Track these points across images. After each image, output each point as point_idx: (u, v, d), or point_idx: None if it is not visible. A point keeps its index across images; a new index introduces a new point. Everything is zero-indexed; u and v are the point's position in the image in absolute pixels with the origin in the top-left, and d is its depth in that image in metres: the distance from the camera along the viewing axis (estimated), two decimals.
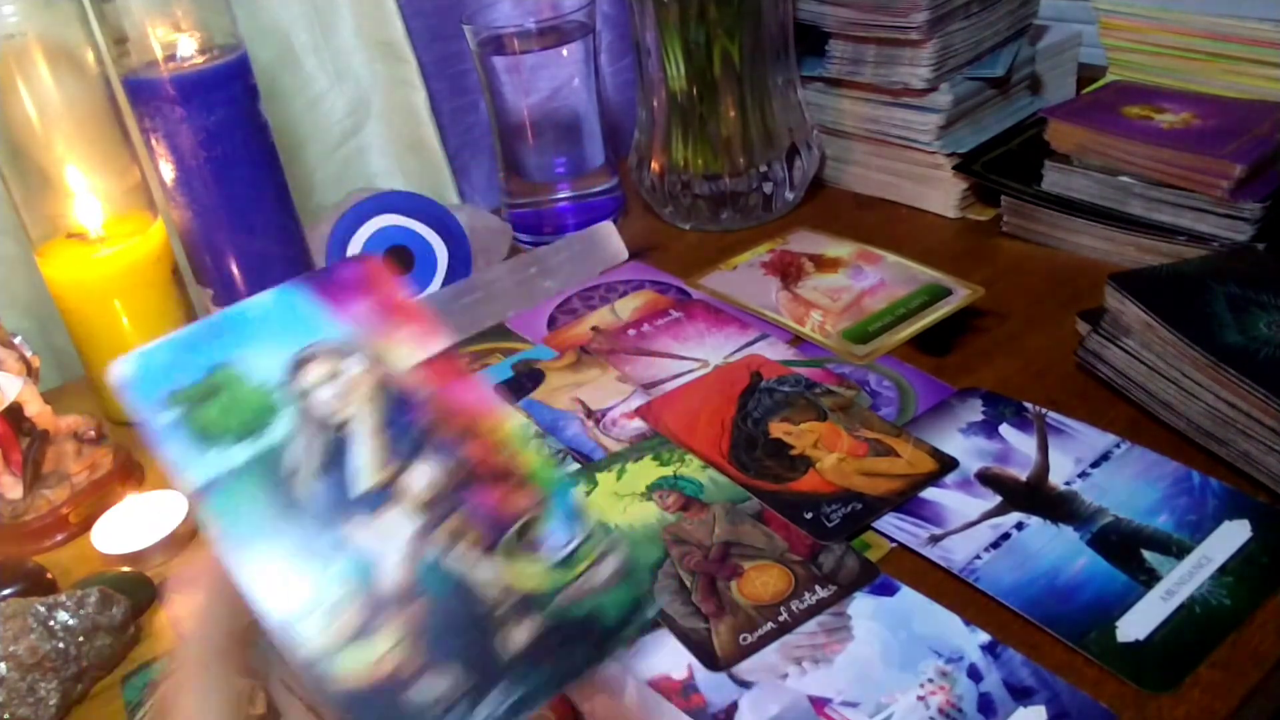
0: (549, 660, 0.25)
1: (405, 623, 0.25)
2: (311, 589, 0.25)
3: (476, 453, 0.28)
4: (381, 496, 0.26)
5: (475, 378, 0.29)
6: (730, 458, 0.53)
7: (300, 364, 0.28)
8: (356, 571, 0.25)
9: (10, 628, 0.45)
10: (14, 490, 0.57)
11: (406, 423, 0.28)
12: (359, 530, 0.26)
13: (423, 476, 0.27)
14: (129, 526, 0.56)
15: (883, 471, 0.51)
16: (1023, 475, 0.50)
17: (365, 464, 0.27)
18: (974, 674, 0.40)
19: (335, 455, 0.27)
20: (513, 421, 0.29)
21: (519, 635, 0.25)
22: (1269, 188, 0.63)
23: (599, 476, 0.54)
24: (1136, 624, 0.42)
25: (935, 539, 0.47)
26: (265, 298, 0.28)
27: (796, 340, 0.64)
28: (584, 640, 0.26)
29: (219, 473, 0.26)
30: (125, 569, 0.53)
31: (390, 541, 0.26)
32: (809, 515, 0.49)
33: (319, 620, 0.24)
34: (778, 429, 0.55)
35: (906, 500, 0.49)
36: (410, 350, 0.29)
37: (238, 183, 0.65)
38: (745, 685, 0.41)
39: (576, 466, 0.55)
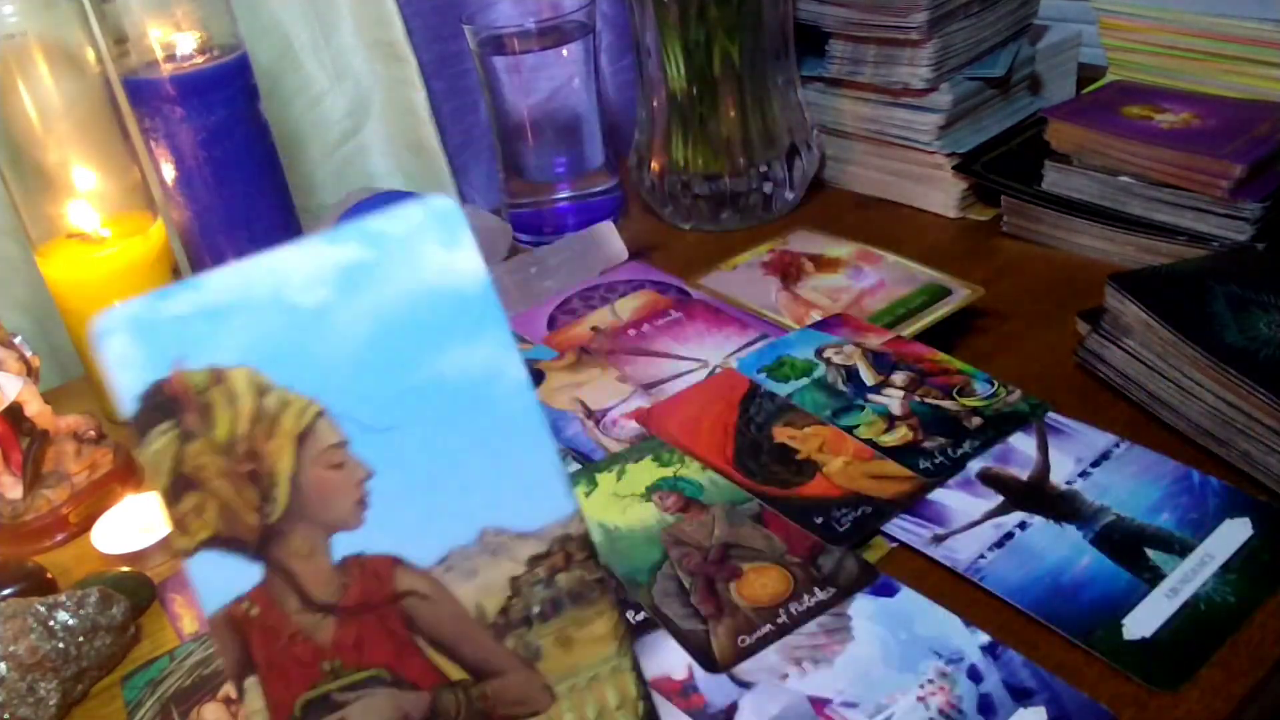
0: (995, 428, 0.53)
1: (912, 422, 0.53)
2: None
3: (927, 366, 0.57)
4: (878, 387, 0.56)
5: (918, 343, 0.60)
6: (736, 464, 0.53)
7: (821, 349, 0.60)
8: (881, 410, 0.54)
9: (10, 628, 0.45)
10: (14, 490, 0.57)
11: (883, 361, 0.58)
12: (875, 396, 0.55)
13: (900, 378, 0.56)
14: (129, 526, 0.56)
15: (890, 474, 0.51)
16: (1023, 475, 0.50)
17: (867, 375, 0.57)
18: (974, 675, 0.40)
19: (853, 374, 0.57)
20: (942, 354, 0.58)
21: (975, 420, 0.53)
22: (1269, 188, 0.63)
23: (599, 477, 0.54)
24: (1142, 622, 0.42)
25: (939, 539, 0.47)
26: None
27: None
28: (1015, 419, 0.53)
29: (794, 390, 0.57)
30: (125, 569, 0.53)
31: (893, 400, 0.55)
32: (819, 520, 0.49)
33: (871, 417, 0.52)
34: (781, 434, 0.55)
35: (915, 502, 0.49)
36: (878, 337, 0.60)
37: (238, 183, 0.65)
38: (745, 686, 0.41)
39: (577, 467, 0.55)
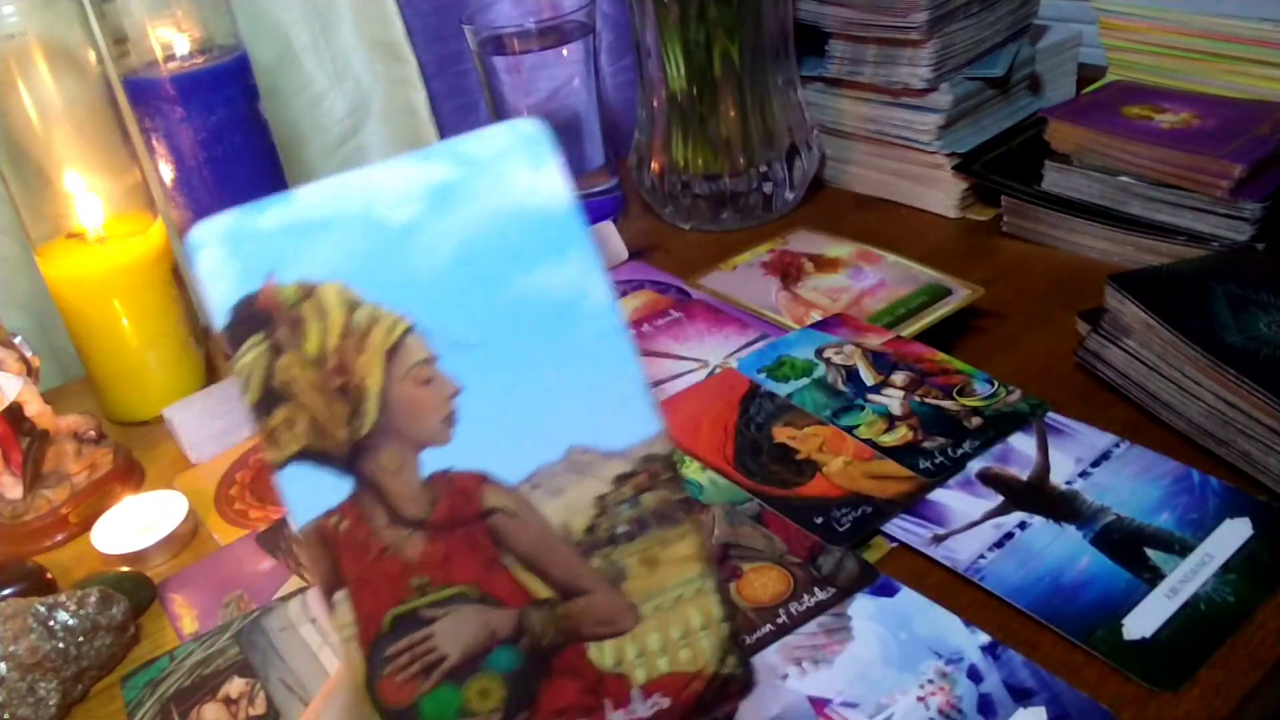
0: (995, 428, 0.53)
1: (912, 422, 0.54)
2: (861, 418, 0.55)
3: (927, 366, 0.58)
4: (878, 386, 0.57)
5: (918, 343, 0.60)
6: (736, 464, 0.53)
7: (821, 350, 0.61)
8: (881, 410, 0.55)
9: (10, 628, 0.45)
10: (14, 490, 0.57)
11: (883, 361, 0.59)
12: (875, 396, 0.56)
13: (900, 378, 0.57)
14: (129, 526, 0.56)
15: (890, 474, 0.51)
16: (1024, 475, 0.50)
17: (867, 375, 0.58)
18: (974, 675, 0.40)
19: (853, 375, 0.58)
20: (942, 354, 0.59)
21: (975, 420, 0.54)
22: (1269, 188, 0.63)
23: None
24: (1142, 622, 0.42)
25: (939, 539, 0.47)
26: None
27: None
28: (1015, 419, 0.54)
29: (794, 390, 0.58)
30: (125, 569, 0.53)
31: (893, 400, 0.56)
32: (819, 520, 0.49)
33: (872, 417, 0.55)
34: (781, 433, 0.55)
35: (915, 502, 0.49)
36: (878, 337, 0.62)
37: (238, 183, 0.65)
38: None
39: None
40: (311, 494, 0.25)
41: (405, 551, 0.25)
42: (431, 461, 0.25)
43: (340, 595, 0.25)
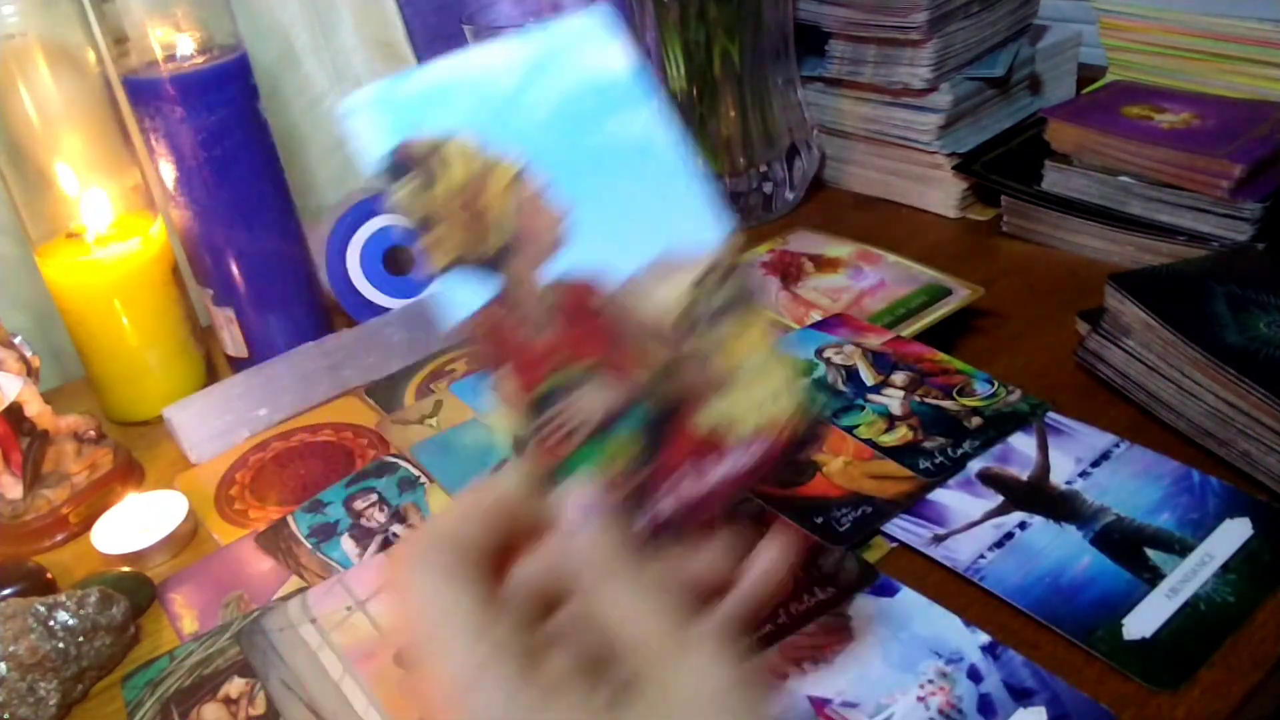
0: (995, 428, 0.53)
1: (912, 422, 0.54)
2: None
3: (927, 366, 0.58)
4: (878, 386, 0.57)
5: (918, 343, 0.60)
6: None
7: (821, 350, 0.61)
8: (881, 410, 0.56)
9: (10, 628, 0.45)
10: (14, 490, 0.57)
11: (883, 361, 0.59)
12: (875, 397, 0.57)
13: (900, 378, 0.57)
14: (129, 526, 0.56)
15: (890, 474, 0.51)
16: (1024, 475, 0.50)
17: (867, 375, 0.58)
18: (974, 674, 0.40)
19: (853, 375, 0.58)
20: (942, 354, 0.59)
21: (975, 420, 0.54)
22: (1269, 188, 0.63)
23: None
24: (1142, 622, 0.42)
25: (939, 539, 0.47)
26: None
27: None
28: (1015, 419, 0.54)
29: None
30: (125, 569, 0.53)
31: (893, 401, 0.56)
32: (819, 520, 0.49)
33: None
34: None
35: (915, 502, 0.49)
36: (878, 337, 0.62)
37: (238, 183, 0.65)
38: None
39: None
40: (464, 296, 0.31)
41: (542, 337, 0.31)
42: (553, 269, 0.32)
43: (501, 373, 0.31)
